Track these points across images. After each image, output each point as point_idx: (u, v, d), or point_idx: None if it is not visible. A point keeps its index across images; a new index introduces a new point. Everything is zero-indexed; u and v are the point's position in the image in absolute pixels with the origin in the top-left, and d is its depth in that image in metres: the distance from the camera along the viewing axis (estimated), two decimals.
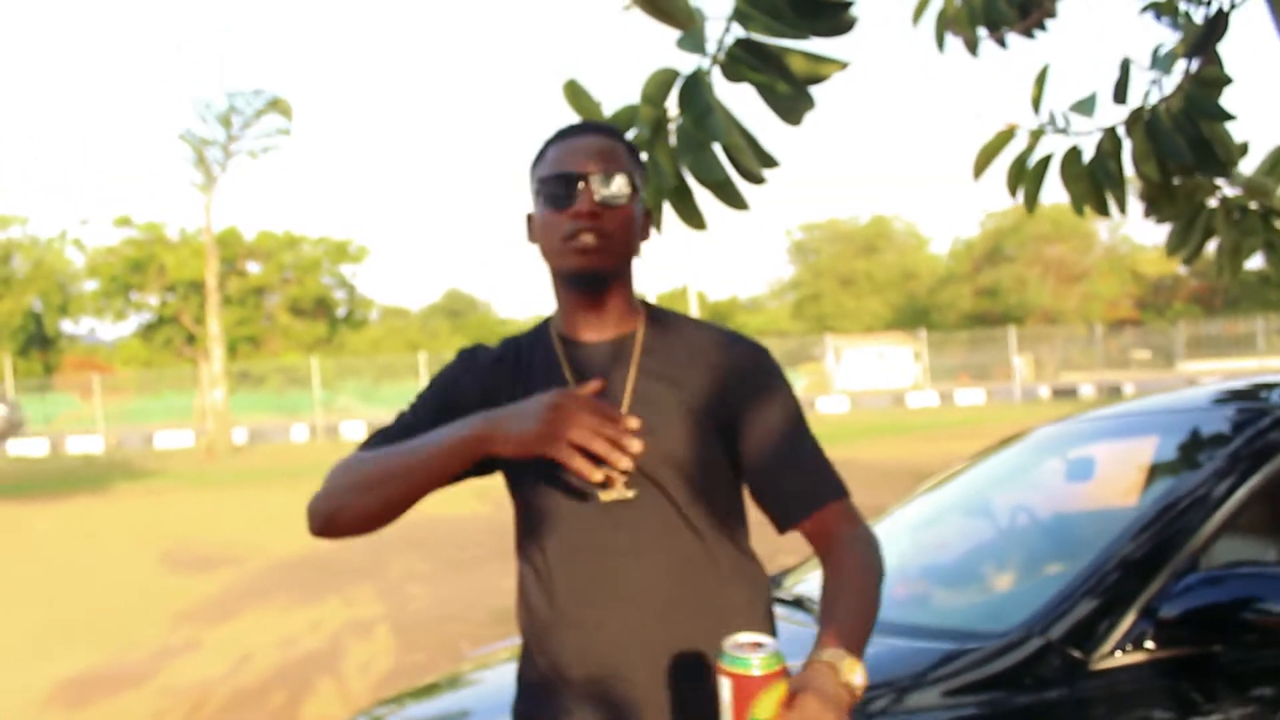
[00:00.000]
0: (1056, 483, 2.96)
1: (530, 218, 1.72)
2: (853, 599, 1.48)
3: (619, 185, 1.61)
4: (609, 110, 2.51)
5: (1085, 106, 3.17)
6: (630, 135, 2.50)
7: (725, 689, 1.26)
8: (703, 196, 2.51)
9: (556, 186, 1.62)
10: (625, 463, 1.42)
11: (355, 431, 30.03)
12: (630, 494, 1.59)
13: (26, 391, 38.36)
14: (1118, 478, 2.95)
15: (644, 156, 2.54)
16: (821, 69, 2.41)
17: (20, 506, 16.78)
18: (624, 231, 1.63)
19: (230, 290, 41.06)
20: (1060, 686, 1.98)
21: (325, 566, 9.73)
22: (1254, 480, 2.31)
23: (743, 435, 1.62)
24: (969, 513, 2.93)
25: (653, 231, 1.78)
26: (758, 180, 2.39)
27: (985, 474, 3.17)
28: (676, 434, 1.61)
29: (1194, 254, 3.84)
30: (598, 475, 1.45)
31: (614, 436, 1.41)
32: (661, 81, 2.41)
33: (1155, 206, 3.66)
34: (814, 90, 2.40)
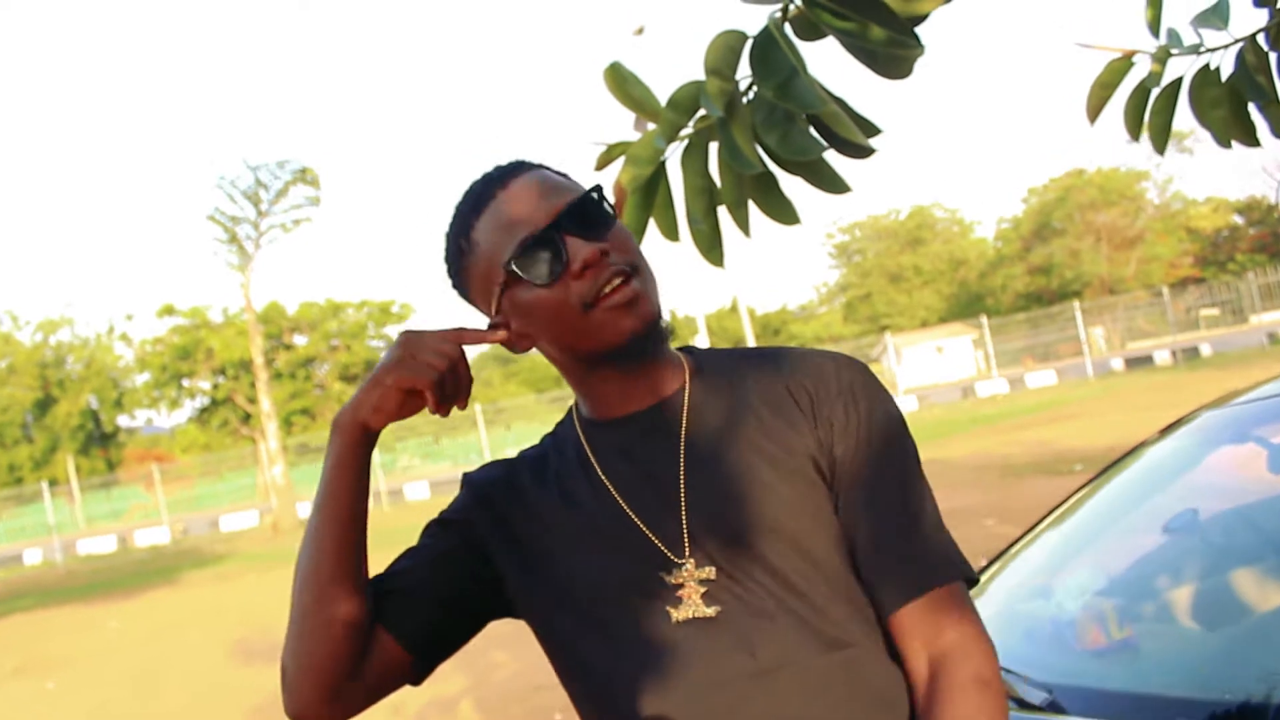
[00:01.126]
0: (1264, 475, 2.39)
1: (501, 326, 1.29)
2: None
3: (594, 206, 1.24)
4: (663, 94, 2.03)
5: (1215, 16, 2.63)
6: (693, 121, 2.02)
7: None
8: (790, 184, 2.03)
9: (532, 260, 1.21)
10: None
11: (419, 492, 29.74)
12: (710, 611, 1.18)
13: (91, 489, 38.66)
14: None
15: (714, 147, 2.07)
16: (923, 2, 1.92)
17: (91, 607, 16.57)
18: (638, 257, 1.26)
19: (279, 365, 41.15)
20: None
21: None
22: None
23: (842, 490, 1.22)
24: (1172, 528, 2.33)
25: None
26: (865, 153, 1.90)
27: (1152, 475, 2.61)
28: (757, 500, 1.19)
29: None
30: (446, 410, 1.22)
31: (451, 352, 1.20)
32: (728, 46, 1.92)
33: None
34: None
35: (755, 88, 1.93)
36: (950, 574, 1.18)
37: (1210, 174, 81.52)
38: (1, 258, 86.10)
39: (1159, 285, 42.12)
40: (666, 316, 1.28)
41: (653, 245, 2.12)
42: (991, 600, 2.44)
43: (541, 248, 1.20)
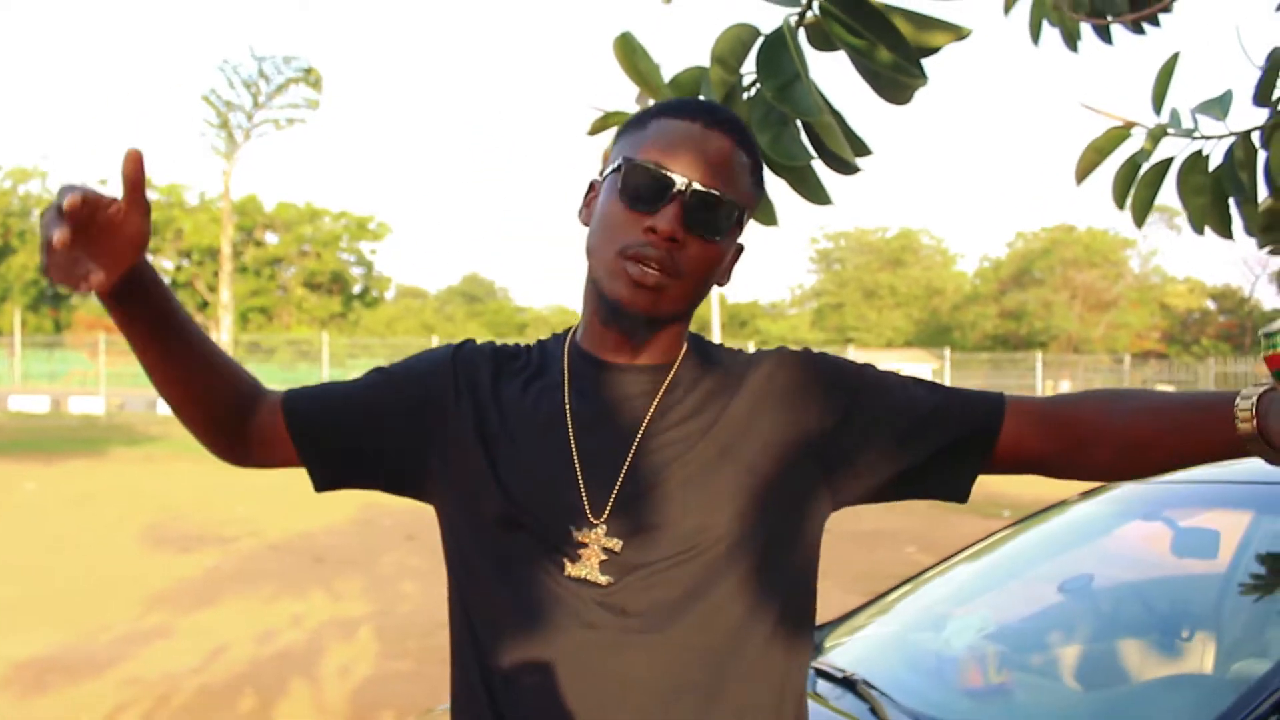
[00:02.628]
0: (1165, 556, 2.47)
1: (593, 186, 1.33)
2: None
3: (719, 213, 1.24)
4: (669, 73, 2.05)
5: (1217, 106, 2.69)
6: None
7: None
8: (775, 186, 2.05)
9: (642, 179, 1.23)
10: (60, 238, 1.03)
11: None
12: (602, 580, 1.20)
13: (34, 347, 38.14)
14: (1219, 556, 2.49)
15: None
16: (933, 36, 1.95)
17: (12, 464, 16.40)
18: (698, 272, 1.25)
19: (246, 259, 40.79)
20: None
21: (314, 554, 9.32)
22: None
23: (853, 431, 1.27)
24: (1069, 589, 2.41)
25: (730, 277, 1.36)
26: (849, 169, 1.93)
27: (1064, 533, 2.68)
28: (696, 500, 1.22)
29: None
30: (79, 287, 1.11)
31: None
32: (738, 39, 1.94)
33: (1275, 230, 3.19)
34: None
35: (757, 85, 1.96)
36: (1000, 397, 1.30)
37: (1192, 255, 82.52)
38: None
39: (1123, 353, 42.65)
40: (674, 321, 1.31)
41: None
42: (891, 621, 2.51)
43: (655, 186, 1.22)
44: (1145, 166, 2.79)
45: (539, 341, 1.42)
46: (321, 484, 1.38)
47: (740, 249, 1.35)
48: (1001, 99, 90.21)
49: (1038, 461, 1.27)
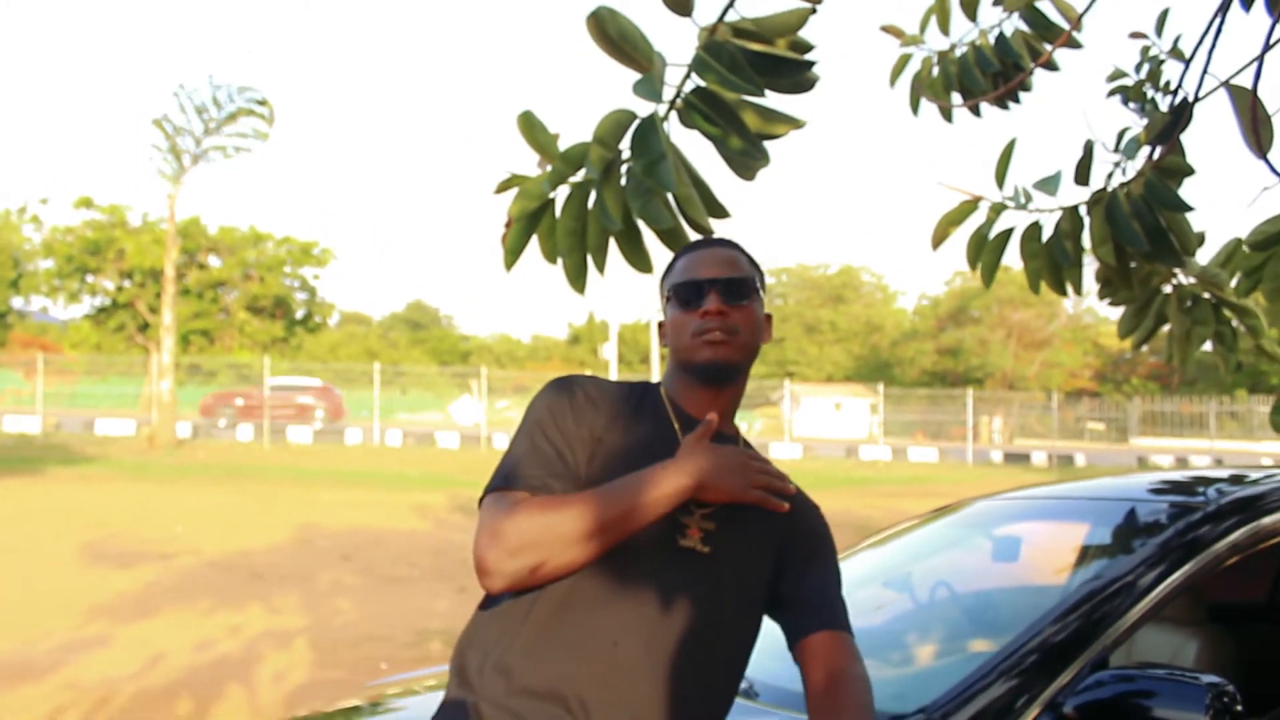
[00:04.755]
0: (983, 560, 2.92)
1: (661, 324, 1.94)
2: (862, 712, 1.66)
3: (742, 288, 1.84)
4: (563, 144, 2.46)
5: (1049, 185, 3.16)
6: (579, 174, 2.45)
7: None
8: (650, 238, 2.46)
9: (687, 291, 1.85)
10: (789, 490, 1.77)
11: (302, 435, 29.65)
12: (706, 549, 1.73)
13: None
14: (1046, 560, 2.92)
15: (592, 197, 2.50)
16: (775, 126, 2.38)
17: None
18: (748, 328, 1.83)
19: (189, 282, 40.57)
20: None
21: (252, 572, 9.55)
22: (1180, 573, 2.28)
23: (794, 561, 1.82)
24: (890, 582, 2.87)
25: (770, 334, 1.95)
26: (705, 231, 2.35)
27: (913, 543, 3.12)
28: (756, 532, 1.78)
29: (1145, 338, 3.85)
30: (785, 506, 1.74)
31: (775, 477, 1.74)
32: (616, 123, 2.36)
33: (1110, 289, 3.66)
34: (775, 144, 2.38)
35: (630, 162, 2.38)
36: (851, 630, 1.79)
37: None
38: None
39: (1055, 390, 43.72)
40: (737, 366, 1.85)
41: (532, 266, 2.56)
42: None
43: (694, 290, 1.84)
44: (991, 235, 3.25)
45: (637, 386, 1.92)
46: None
47: (769, 316, 1.93)
48: (939, 143, 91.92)
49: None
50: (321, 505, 15.24)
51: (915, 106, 3.78)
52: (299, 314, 45.53)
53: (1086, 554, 2.74)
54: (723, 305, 1.81)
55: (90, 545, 10.74)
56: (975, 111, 3.64)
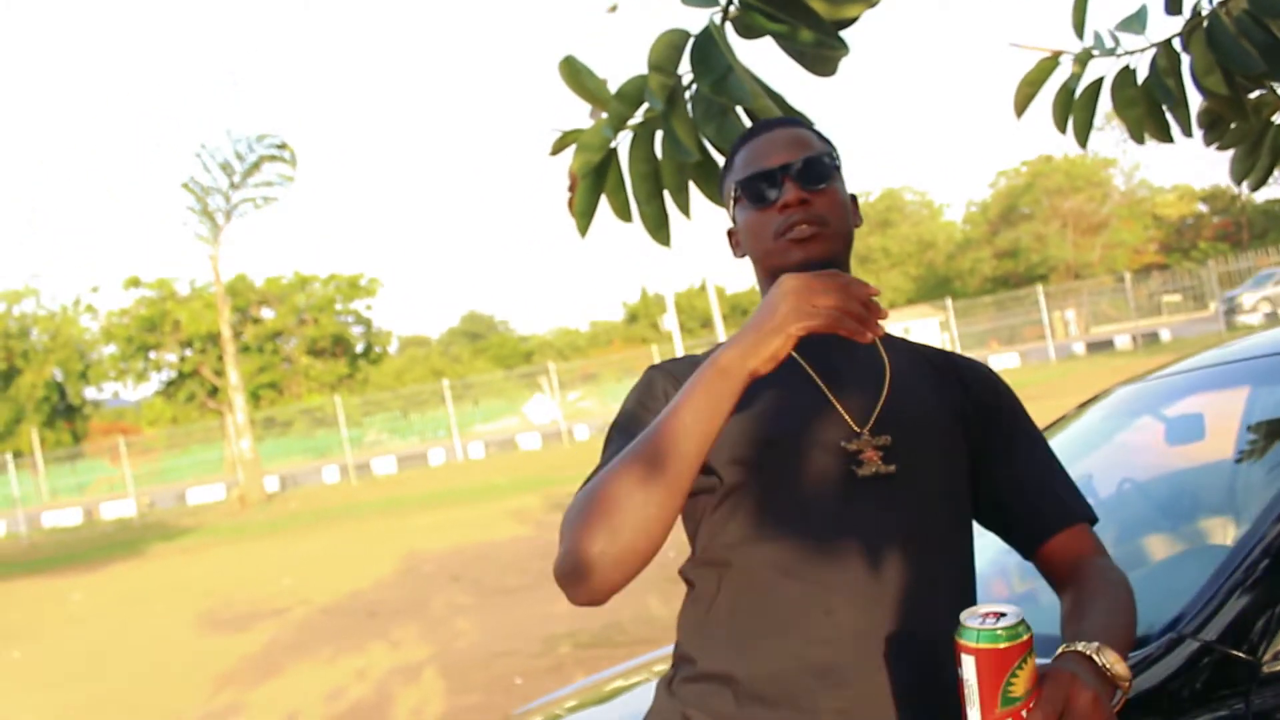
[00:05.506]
0: (1159, 446, 2.59)
1: (731, 232, 1.65)
2: (1109, 604, 1.38)
3: (820, 168, 1.54)
4: (614, 86, 2.19)
5: (1135, 22, 2.82)
6: (640, 111, 2.18)
7: (969, 669, 1.15)
8: None
9: (757, 185, 1.55)
10: (879, 324, 1.27)
11: (386, 466, 29.79)
12: (890, 468, 1.43)
13: (56, 462, 38.40)
14: (1225, 433, 2.60)
15: (659, 135, 2.22)
16: (847, 8, 2.08)
17: (55, 579, 16.60)
18: (837, 214, 1.55)
19: (247, 338, 40.98)
20: (1232, 700, 1.65)
21: (367, 610, 9.46)
22: None
23: (991, 450, 1.55)
24: None
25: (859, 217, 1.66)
26: None
27: (1070, 443, 2.79)
28: (933, 419, 1.51)
29: (1264, 177, 3.49)
30: (868, 335, 1.27)
31: (864, 294, 1.27)
32: (670, 44, 2.09)
33: (1217, 130, 3.31)
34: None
35: (695, 83, 2.10)
36: (1093, 514, 1.53)
37: (1176, 162, 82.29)
38: None
39: (1123, 271, 42.64)
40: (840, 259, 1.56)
41: (606, 226, 2.28)
42: None
43: (765, 182, 1.53)
44: (1078, 90, 2.92)
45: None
46: None
47: (854, 196, 1.63)
48: (960, 44, 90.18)
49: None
50: (419, 531, 15.19)
51: None
52: (359, 348, 45.82)
53: (1266, 417, 2.43)
54: (803, 193, 1.51)
55: (204, 614, 10.73)
56: None
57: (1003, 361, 31.76)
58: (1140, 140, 2.90)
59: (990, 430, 1.55)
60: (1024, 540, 1.54)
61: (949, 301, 36.18)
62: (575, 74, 2.20)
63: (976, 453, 1.54)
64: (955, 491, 1.49)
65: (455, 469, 27.91)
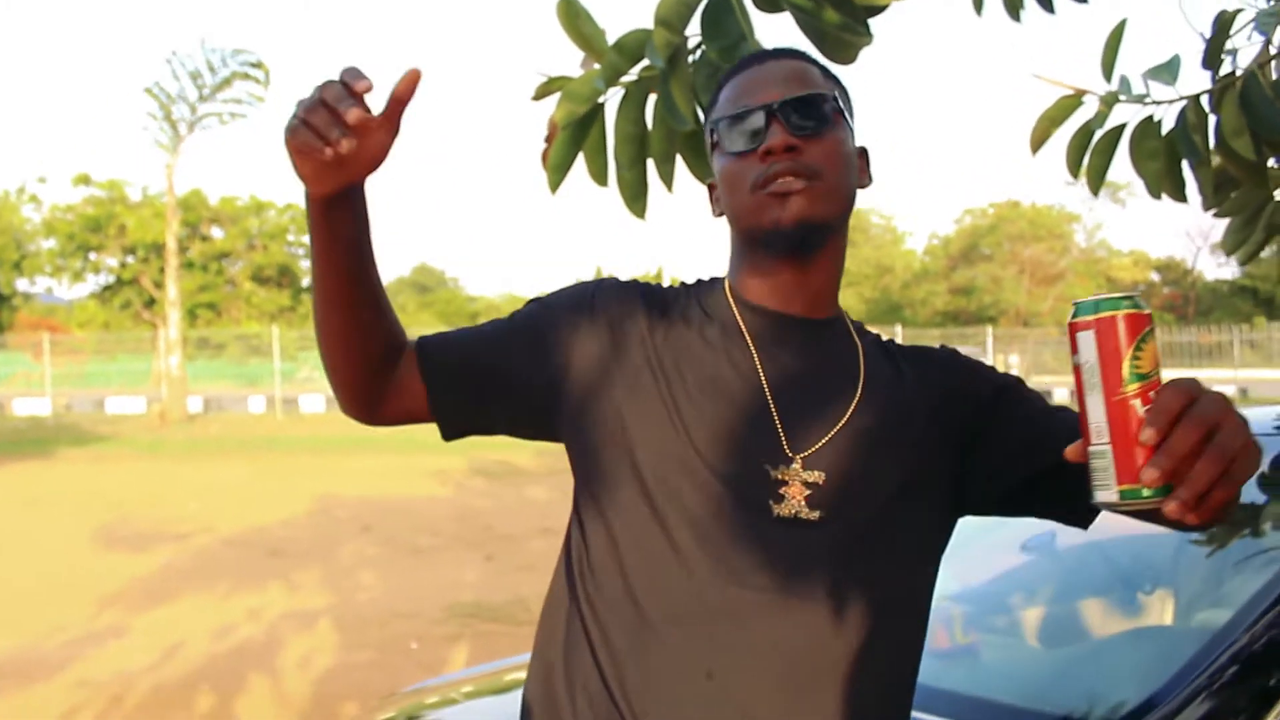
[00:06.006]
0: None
1: (712, 187, 1.36)
2: None
3: (818, 108, 1.26)
4: (613, 36, 2.01)
5: (1166, 72, 2.68)
6: (637, 68, 2.01)
7: (1087, 347, 0.99)
8: None
9: (738, 126, 1.27)
10: (342, 140, 1.03)
11: (315, 404, 29.32)
12: (814, 515, 1.20)
13: None
14: None
15: (652, 98, 2.06)
16: None
17: None
18: (835, 167, 1.26)
19: (192, 255, 40.14)
20: None
21: (271, 548, 9.20)
22: None
23: (999, 437, 1.28)
24: (1030, 545, 2.38)
25: (870, 177, 1.38)
26: None
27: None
28: (897, 463, 1.25)
29: (1255, 252, 3.39)
30: (326, 152, 1.05)
31: (335, 93, 1.04)
32: (682, 2, 1.92)
33: (1221, 195, 3.21)
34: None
35: (702, 47, 1.93)
36: None
37: (1136, 228, 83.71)
38: None
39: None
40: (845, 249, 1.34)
41: (579, 188, 2.11)
42: None
43: (747, 123, 1.25)
44: (1099, 134, 2.79)
45: (686, 287, 1.40)
46: (450, 428, 1.35)
47: (865, 151, 1.36)
48: (947, 74, 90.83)
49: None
50: (338, 474, 14.90)
51: (979, 3, 3.30)
52: (305, 282, 45.09)
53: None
54: (792, 137, 1.22)
55: (103, 529, 10.40)
56: (1048, 6, 3.17)
57: None
58: (1157, 195, 2.77)
59: (984, 417, 1.30)
60: (1073, 516, 1.27)
61: (899, 328, 36.42)
62: (573, 17, 2.02)
63: (971, 449, 1.29)
64: (905, 555, 1.25)
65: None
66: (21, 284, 43.93)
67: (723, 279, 1.37)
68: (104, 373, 35.14)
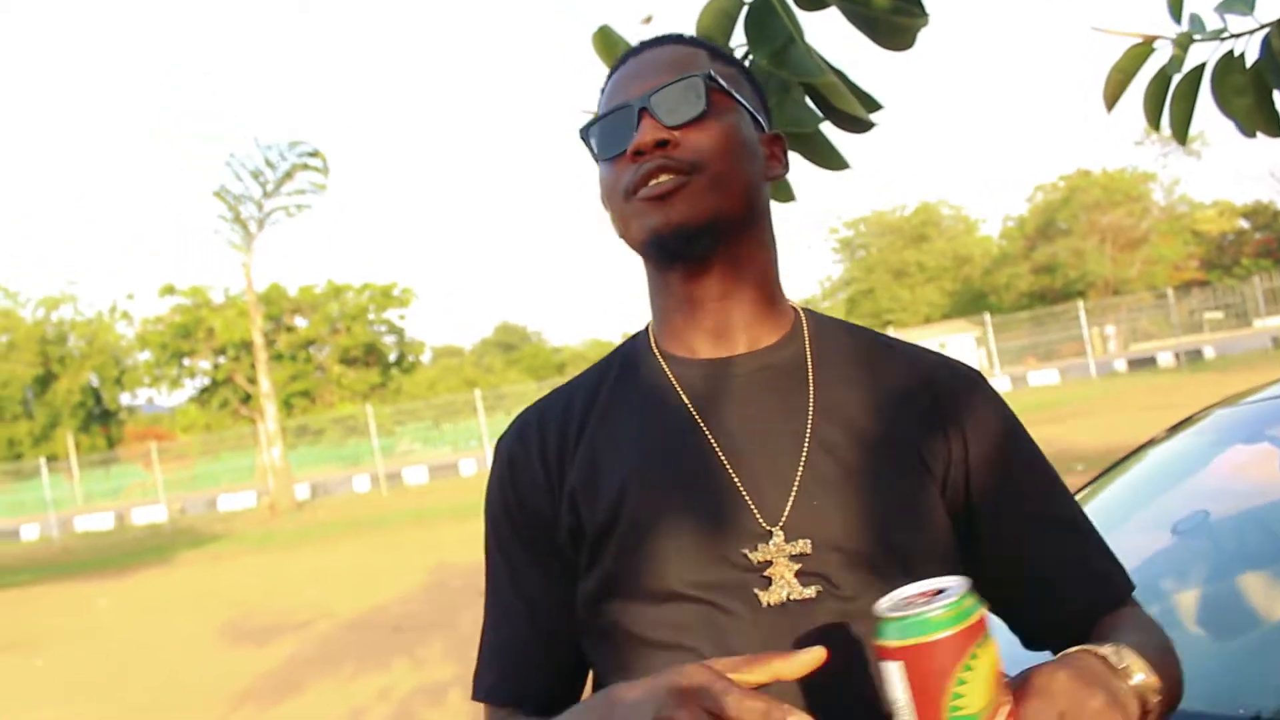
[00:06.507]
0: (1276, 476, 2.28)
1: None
2: (1145, 632, 1.02)
3: (693, 95, 1.07)
4: None
5: (1240, 2, 2.52)
6: None
7: (896, 682, 0.78)
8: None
9: (608, 128, 1.10)
10: None
11: (418, 476, 29.64)
12: (809, 591, 1.02)
13: (90, 466, 38.56)
14: None
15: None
16: None
17: (83, 584, 16.50)
18: (720, 154, 1.07)
19: (280, 346, 41.10)
20: None
21: (392, 625, 9.23)
22: None
23: (986, 510, 1.09)
24: (1183, 528, 2.20)
25: (788, 162, 1.18)
26: (863, 126, 1.80)
27: (1168, 473, 2.48)
28: (878, 488, 1.05)
29: None
30: None
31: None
32: (722, 11, 1.83)
33: None
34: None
35: (750, 55, 1.84)
36: (1130, 585, 1.12)
37: (1216, 178, 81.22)
38: (3, 235, 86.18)
39: (1163, 287, 41.97)
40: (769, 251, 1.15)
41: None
42: None
43: (616, 123, 1.09)
44: (1176, 79, 2.63)
45: (611, 357, 1.21)
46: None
47: (778, 137, 1.17)
48: (998, 54, 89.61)
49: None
50: (449, 544, 14.97)
51: None
52: (392, 357, 45.85)
53: None
54: (663, 130, 1.06)
55: (226, 626, 10.54)
56: None
57: (1042, 378, 31.25)
58: (1251, 133, 2.59)
59: (989, 480, 1.10)
60: (1045, 627, 1.10)
61: (986, 317, 35.71)
62: (611, 47, 1.94)
63: (967, 511, 1.10)
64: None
65: (486, 479, 27.71)
66: (124, 398, 45.46)
67: (647, 329, 1.19)
68: (212, 473, 36.07)
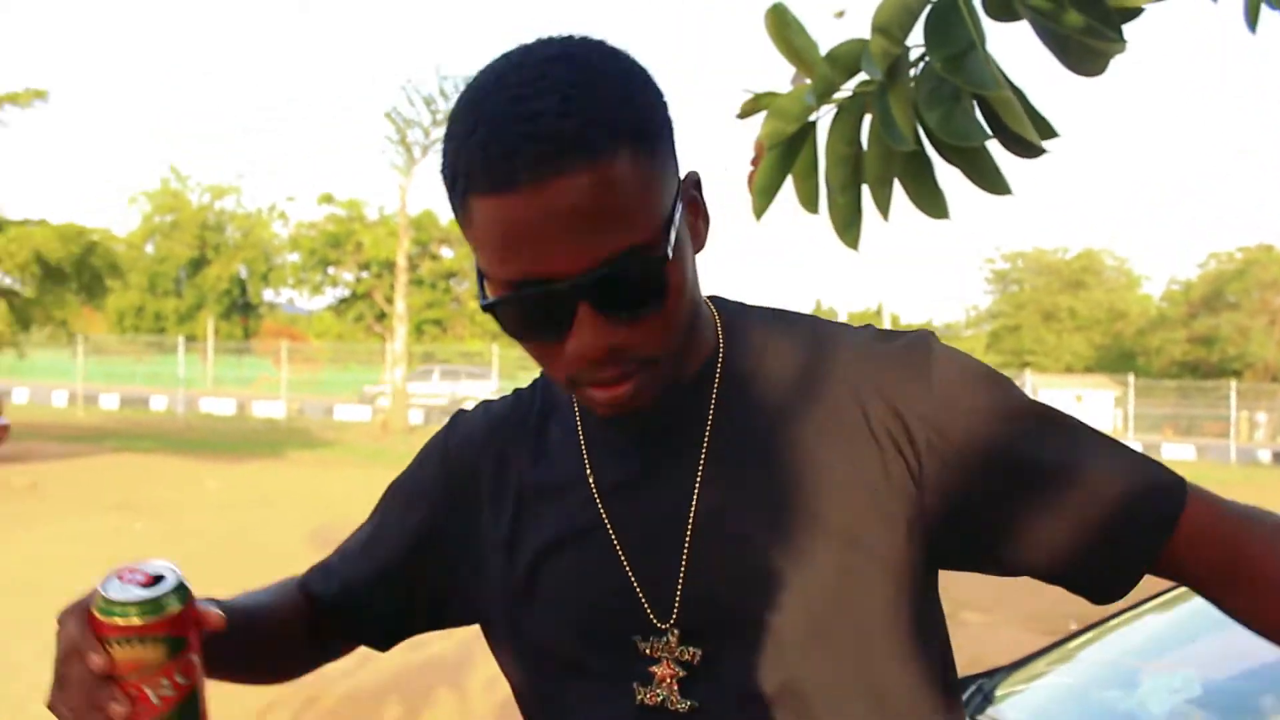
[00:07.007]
0: None
1: (483, 282, 0.91)
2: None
3: (641, 276, 0.85)
4: (826, 48, 1.84)
5: None
6: (853, 83, 1.83)
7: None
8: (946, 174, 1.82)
9: (525, 312, 0.87)
10: None
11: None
12: (685, 705, 0.93)
13: (225, 353, 40.14)
14: None
15: (868, 116, 1.87)
16: None
17: (197, 462, 17.23)
18: (668, 330, 0.89)
19: (422, 272, 42.03)
20: None
21: None
22: None
23: (988, 539, 0.94)
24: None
25: (706, 237, 0.96)
26: (1033, 152, 1.69)
27: None
28: (794, 565, 0.91)
29: None
30: None
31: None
32: (904, 7, 1.72)
33: None
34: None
35: (926, 58, 1.74)
36: (1183, 487, 0.97)
37: None
38: (186, 122, 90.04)
39: None
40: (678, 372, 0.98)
41: (790, 213, 1.96)
42: (1073, 672, 2.23)
43: (541, 307, 0.86)
44: None
45: (537, 386, 1.13)
46: (386, 647, 1.30)
47: (694, 183, 0.95)
48: (1193, 106, 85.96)
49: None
50: None
51: (1254, 17, 2.96)
52: None
53: None
54: (612, 330, 0.86)
55: (320, 529, 10.83)
56: None
57: (1177, 451, 30.00)
58: None
59: (981, 501, 0.93)
60: (1110, 588, 0.95)
61: (1130, 378, 34.42)
62: (783, 26, 1.86)
63: (963, 543, 0.95)
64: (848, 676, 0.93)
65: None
66: (268, 294, 47.15)
67: None
68: (335, 381, 37.16)
